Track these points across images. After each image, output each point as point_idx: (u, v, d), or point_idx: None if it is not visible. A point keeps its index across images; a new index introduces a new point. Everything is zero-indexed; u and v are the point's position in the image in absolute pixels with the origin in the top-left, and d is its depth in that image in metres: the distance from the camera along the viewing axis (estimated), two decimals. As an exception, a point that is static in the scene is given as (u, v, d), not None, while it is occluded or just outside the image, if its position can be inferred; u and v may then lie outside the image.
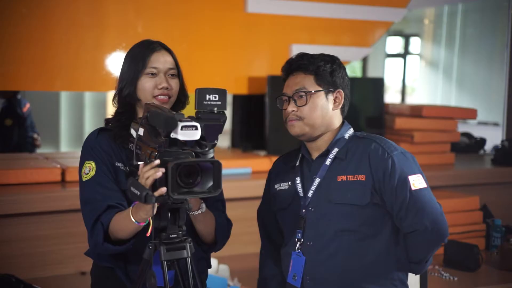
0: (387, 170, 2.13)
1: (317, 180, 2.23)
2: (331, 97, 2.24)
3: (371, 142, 2.21)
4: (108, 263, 2.17)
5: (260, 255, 2.51)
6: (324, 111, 2.22)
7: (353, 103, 4.96)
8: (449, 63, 10.27)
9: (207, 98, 1.94)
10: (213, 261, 3.55)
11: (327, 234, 2.19)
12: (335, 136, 2.26)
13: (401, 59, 11.27)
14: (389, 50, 11.20)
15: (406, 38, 11.21)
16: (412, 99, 11.11)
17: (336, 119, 2.28)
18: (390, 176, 2.13)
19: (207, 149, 1.96)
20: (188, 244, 1.97)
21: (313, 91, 2.21)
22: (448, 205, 4.28)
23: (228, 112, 5.33)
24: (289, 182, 2.32)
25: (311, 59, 2.24)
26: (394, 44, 11.46)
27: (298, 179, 2.29)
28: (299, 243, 2.23)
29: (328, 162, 2.23)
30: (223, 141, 5.26)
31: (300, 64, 2.25)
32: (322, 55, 2.28)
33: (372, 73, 10.49)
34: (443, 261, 3.91)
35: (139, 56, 2.16)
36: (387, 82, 11.21)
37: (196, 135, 1.86)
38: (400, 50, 11.34)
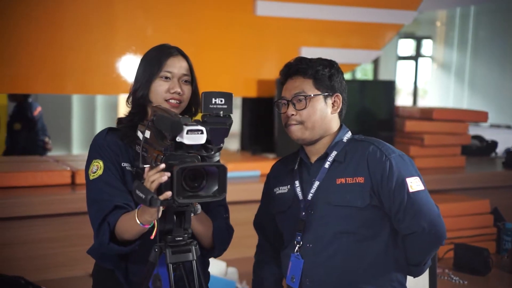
0: (385, 172, 2.16)
1: (317, 183, 2.25)
2: (329, 101, 2.26)
3: (369, 145, 2.23)
4: (109, 263, 2.18)
5: (255, 256, 2.51)
6: (323, 115, 2.24)
7: (364, 105, 5.02)
8: (461, 65, 10.23)
9: (213, 102, 1.94)
10: (222, 264, 3.55)
11: (326, 236, 2.21)
12: (334, 140, 2.28)
13: (413, 62, 11.24)
14: (401, 53, 11.17)
15: (418, 40, 11.18)
16: (425, 102, 11.08)
17: (334, 123, 2.29)
18: (388, 178, 2.15)
19: (213, 152, 1.96)
20: (193, 247, 1.98)
21: (312, 95, 2.22)
22: (458, 208, 4.27)
23: (237, 115, 5.38)
24: (288, 186, 2.33)
25: (310, 63, 2.26)
26: (406, 46, 11.43)
27: (297, 183, 2.30)
28: (298, 245, 2.25)
29: (327, 165, 2.25)
30: (232, 143, 5.26)
31: (299, 68, 2.26)
32: (320, 59, 2.30)
33: (383, 75, 10.48)
34: (453, 265, 3.89)
35: (155, 59, 2.18)
36: (399, 84, 11.19)
37: (201, 139, 1.87)
38: (412, 52, 11.31)
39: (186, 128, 1.84)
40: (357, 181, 2.18)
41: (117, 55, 4.35)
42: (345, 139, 2.29)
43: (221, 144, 1.97)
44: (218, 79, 4.66)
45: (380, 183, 2.16)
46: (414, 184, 2.17)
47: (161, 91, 2.14)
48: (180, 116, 1.89)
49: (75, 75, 4.29)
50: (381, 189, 2.16)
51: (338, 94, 2.28)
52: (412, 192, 2.15)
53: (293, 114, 2.23)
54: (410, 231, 2.17)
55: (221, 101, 1.95)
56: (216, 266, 3.46)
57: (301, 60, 2.28)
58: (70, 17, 4.19)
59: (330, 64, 2.28)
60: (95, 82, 4.40)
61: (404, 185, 2.15)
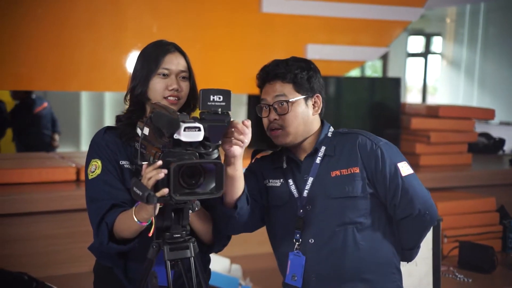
0: (377, 160, 2.21)
1: (311, 179, 2.26)
2: (310, 103, 2.27)
3: (357, 136, 2.27)
4: (108, 261, 2.19)
5: None
6: (305, 117, 2.25)
7: (371, 102, 4.99)
8: (471, 62, 10.18)
9: (211, 99, 1.94)
10: (226, 261, 3.56)
11: (328, 229, 2.22)
12: (319, 136, 2.29)
13: (422, 59, 11.18)
14: (410, 50, 11.12)
15: (428, 37, 11.12)
16: (434, 99, 11.02)
17: (316, 122, 2.31)
18: (382, 165, 2.21)
19: (210, 149, 1.96)
20: (191, 244, 1.97)
21: (293, 100, 2.23)
22: (464, 206, 4.26)
23: (243, 112, 5.35)
24: (281, 180, 2.33)
25: (288, 67, 2.25)
26: (416, 43, 11.37)
27: (291, 181, 2.30)
28: (297, 243, 2.25)
29: (318, 160, 2.27)
30: (238, 141, 5.24)
31: (277, 73, 2.26)
32: (296, 60, 2.29)
33: (393, 72, 10.43)
34: (457, 263, 3.88)
35: (153, 56, 2.17)
36: (409, 82, 11.14)
37: (199, 136, 1.86)
38: (422, 49, 11.25)
39: (183, 125, 1.83)
40: (352, 172, 2.22)
41: (124, 52, 4.36)
42: (329, 133, 2.31)
43: (219, 141, 1.97)
44: (223, 76, 4.66)
45: (374, 170, 2.21)
46: (405, 168, 2.23)
47: (159, 89, 2.14)
48: (178, 113, 1.89)
49: (81, 72, 4.31)
50: (375, 177, 2.21)
51: (318, 94, 2.29)
52: (405, 176, 2.21)
53: (275, 119, 2.23)
54: (405, 214, 2.22)
55: (219, 98, 1.95)
56: (220, 263, 3.47)
57: (278, 64, 2.27)
58: (76, 14, 4.21)
59: (308, 66, 2.28)
60: (101, 79, 4.42)
61: (397, 170, 2.21)
